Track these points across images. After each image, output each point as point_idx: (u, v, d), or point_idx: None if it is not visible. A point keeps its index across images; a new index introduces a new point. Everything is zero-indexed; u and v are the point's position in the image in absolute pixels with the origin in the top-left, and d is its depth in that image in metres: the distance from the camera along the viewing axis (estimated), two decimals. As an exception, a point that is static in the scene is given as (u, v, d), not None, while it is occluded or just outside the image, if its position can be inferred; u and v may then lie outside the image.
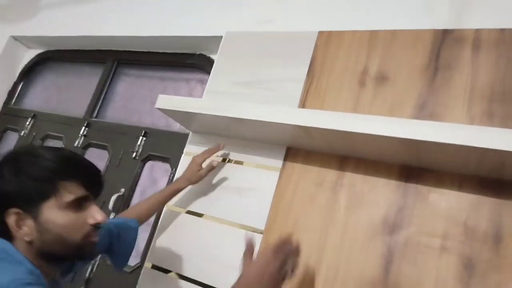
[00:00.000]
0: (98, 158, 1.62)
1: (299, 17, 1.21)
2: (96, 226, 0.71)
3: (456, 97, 0.90)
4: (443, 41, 0.96)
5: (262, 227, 0.99)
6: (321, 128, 0.82)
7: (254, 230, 1.00)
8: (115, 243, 0.94)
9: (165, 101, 1.05)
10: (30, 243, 0.67)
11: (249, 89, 1.18)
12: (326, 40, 1.12)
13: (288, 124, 0.86)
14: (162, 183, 1.44)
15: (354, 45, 1.07)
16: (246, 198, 1.05)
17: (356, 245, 0.88)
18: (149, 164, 1.50)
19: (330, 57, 1.09)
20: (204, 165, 1.07)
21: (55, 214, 0.67)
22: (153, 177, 1.48)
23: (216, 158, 1.11)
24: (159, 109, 1.06)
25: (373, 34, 1.06)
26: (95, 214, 0.70)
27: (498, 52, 0.89)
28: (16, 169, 0.68)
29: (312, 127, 0.83)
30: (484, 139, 0.67)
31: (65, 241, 0.67)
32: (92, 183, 0.72)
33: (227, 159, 1.13)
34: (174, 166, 1.37)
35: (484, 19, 0.94)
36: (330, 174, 0.96)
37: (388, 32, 1.04)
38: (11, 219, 0.66)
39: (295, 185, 1.00)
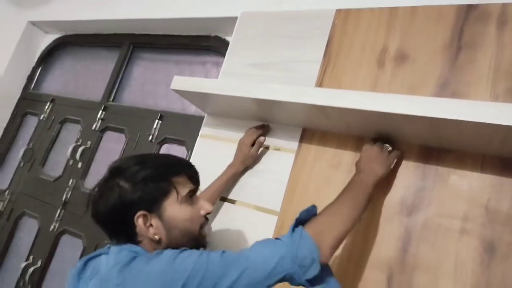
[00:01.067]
0: (115, 141, 1.64)
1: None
2: (206, 217, 0.77)
3: (480, 76, 0.86)
4: (467, 17, 0.92)
5: (277, 208, 0.99)
6: (338, 108, 0.80)
7: (269, 212, 1.00)
8: None
9: (181, 82, 1.04)
10: (158, 242, 0.72)
11: (265, 71, 1.16)
12: (343, 19, 1.09)
13: (305, 103, 0.85)
14: (178, 165, 1.44)
15: (373, 24, 1.04)
16: (261, 180, 1.05)
17: (372, 226, 0.87)
18: (165, 147, 1.51)
19: (347, 37, 1.06)
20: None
21: (177, 209, 0.72)
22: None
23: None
24: (174, 90, 1.05)
25: (392, 11, 1.02)
26: (204, 205, 0.77)
27: (525, 28, 0.85)
28: (130, 178, 0.71)
29: (329, 107, 0.82)
30: (508, 116, 0.64)
31: (190, 233, 0.73)
32: (195, 176, 0.79)
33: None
34: (190, 149, 1.37)
35: (511, -7, 0.89)
36: (346, 156, 0.95)
37: (408, 8, 1.00)
38: (139, 222, 0.70)
39: (311, 167, 0.99)
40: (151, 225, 0.71)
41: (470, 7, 0.92)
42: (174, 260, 0.62)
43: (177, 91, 1.06)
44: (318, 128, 1.00)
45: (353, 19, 1.07)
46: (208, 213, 0.78)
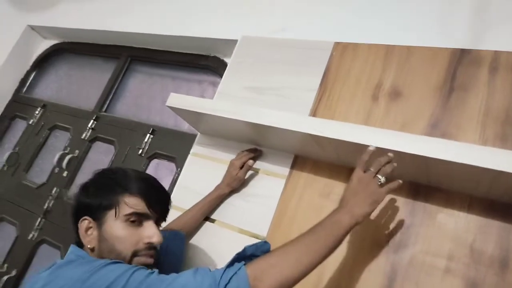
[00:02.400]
0: (104, 152, 1.63)
1: (313, 27, 1.21)
2: (150, 247, 0.72)
3: (470, 119, 0.89)
4: (460, 61, 0.95)
5: (264, 233, 0.98)
6: (332, 138, 0.81)
7: (256, 236, 0.99)
8: (163, 255, 0.88)
9: (177, 99, 1.04)
10: (92, 250, 0.72)
11: (261, 95, 1.17)
12: (341, 51, 1.12)
13: (298, 131, 0.85)
14: (166, 182, 1.43)
15: (370, 59, 1.06)
16: (249, 203, 1.04)
17: (359, 261, 0.86)
18: (154, 162, 1.50)
19: (344, 69, 1.09)
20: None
21: (114, 224, 0.71)
22: (158, 176, 1.47)
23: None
24: (169, 107, 1.06)
25: (389, 49, 1.05)
26: (150, 234, 0.72)
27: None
28: (90, 183, 0.76)
29: (322, 137, 0.83)
30: (498, 161, 0.66)
31: (117, 254, 0.70)
32: (156, 203, 0.75)
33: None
34: (180, 166, 1.37)
35: (502, 41, 0.93)
36: (338, 186, 0.95)
37: (404, 47, 1.03)
38: (81, 226, 0.73)
39: (300, 194, 0.99)
40: (91, 232, 0.72)
41: (463, 51, 0.96)
42: (99, 270, 0.61)
43: (172, 108, 1.06)
44: (311, 156, 1.00)
45: (350, 52, 1.10)
46: (152, 244, 0.72)
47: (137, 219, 0.72)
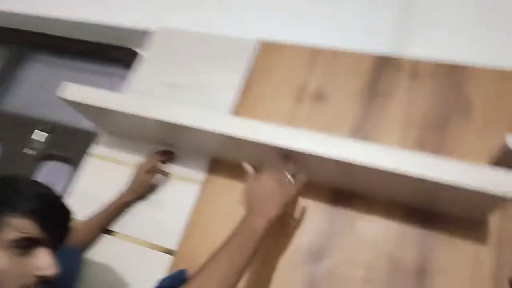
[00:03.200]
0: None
1: (238, 24, 1.14)
2: (43, 280, 0.55)
3: (391, 123, 0.87)
4: (382, 68, 0.95)
5: (174, 246, 0.86)
6: (252, 141, 0.73)
7: (163, 250, 0.86)
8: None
9: (73, 90, 0.88)
10: None
11: (177, 91, 1.06)
12: (266, 51, 1.05)
13: (217, 132, 0.76)
14: (60, 188, 1.23)
15: (295, 60, 1.02)
16: (158, 212, 0.91)
17: (277, 272, 0.79)
18: (49, 164, 1.28)
19: (268, 68, 1.03)
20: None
21: None
22: (53, 181, 1.27)
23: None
24: (64, 100, 0.89)
25: (314, 52, 1.01)
26: (43, 265, 0.55)
27: (433, 84, 0.89)
28: None
29: (242, 139, 0.74)
30: (420, 166, 0.63)
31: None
32: (53, 225, 0.58)
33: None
34: (76, 168, 1.18)
35: (423, 48, 0.94)
36: (256, 192, 0.87)
37: (330, 52, 1.00)
38: None
39: (216, 201, 0.89)
40: None
41: (385, 59, 0.95)
42: None
43: (67, 102, 0.90)
44: (229, 159, 0.91)
45: (276, 52, 1.04)
46: (45, 277, 0.56)
47: (26, 246, 0.55)
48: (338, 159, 0.67)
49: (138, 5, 1.28)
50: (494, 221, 0.73)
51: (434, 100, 0.87)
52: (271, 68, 1.02)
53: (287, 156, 0.71)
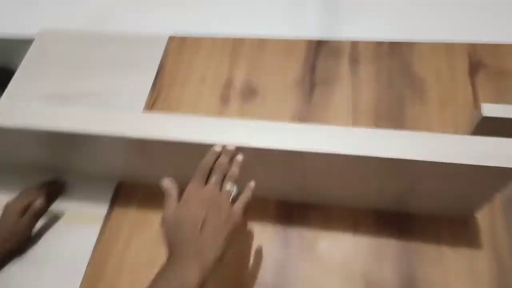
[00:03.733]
0: None
1: (143, 20, 0.94)
2: None
3: (339, 114, 0.71)
4: (318, 53, 0.80)
5: (66, 317, 0.59)
6: (166, 141, 0.51)
7: (50, 325, 0.59)
8: None
9: None
10: None
11: (70, 103, 0.81)
12: (179, 46, 0.86)
13: (115, 136, 0.53)
14: None
15: (215, 53, 0.83)
16: (42, 271, 0.63)
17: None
18: None
19: (183, 66, 0.83)
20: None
21: None
22: None
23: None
24: None
25: (237, 42, 0.84)
26: None
27: (378, 66, 0.76)
28: None
29: (153, 140, 0.52)
30: (388, 146, 0.46)
31: None
32: None
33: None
34: None
35: (358, 32, 0.82)
36: (180, 221, 0.64)
37: (255, 40, 0.84)
38: None
39: (126, 243, 0.64)
40: None
41: (320, 43, 0.81)
42: None
43: None
44: (140, 179, 0.68)
45: (190, 47, 0.85)
46: None
47: None
48: (287, 148, 0.48)
49: (17, 10, 1.02)
50: (483, 220, 0.59)
51: (382, 83, 0.74)
52: (187, 66, 0.83)
53: (220, 164, 0.47)
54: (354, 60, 0.78)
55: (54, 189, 0.69)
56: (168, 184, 0.48)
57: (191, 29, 0.88)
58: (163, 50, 0.86)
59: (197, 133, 0.51)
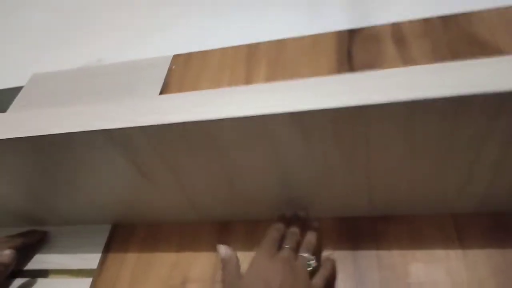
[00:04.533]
0: None
1: (144, 46, 0.83)
2: None
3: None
4: (352, 41, 0.66)
5: None
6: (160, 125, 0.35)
7: None
8: None
9: None
10: None
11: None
12: (185, 63, 0.74)
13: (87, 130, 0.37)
14: None
15: (227, 64, 0.70)
16: None
17: None
18: None
19: (191, 82, 0.69)
20: None
21: None
22: None
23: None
24: None
25: (252, 48, 0.71)
26: None
27: (431, 41, 0.61)
28: None
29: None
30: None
31: None
32: None
33: None
34: None
35: (397, 13, 0.68)
36: (194, 266, 0.45)
37: (273, 43, 0.71)
38: None
39: (125, 299, 0.45)
40: None
41: (352, 32, 0.67)
42: None
43: None
44: (141, 216, 0.50)
45: (197, 61, 0.73)
46: None
47: None
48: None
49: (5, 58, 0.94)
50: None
51: (442, 56, 0.58)
52: (195, 81, 0.69)
53: (293, 232, 0.41)
54: (399, 41, 0.63)
55: (31, 239, 0.52)
56: (226, 251, 0.40)
57: (198, 45, 0.76)
58: (166, 70, 0.73)
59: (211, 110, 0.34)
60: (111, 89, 0.74)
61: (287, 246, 0.39)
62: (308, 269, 0.37)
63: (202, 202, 0.45)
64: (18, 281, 0.50)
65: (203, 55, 0.73)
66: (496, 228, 0.40)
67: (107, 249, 0.50)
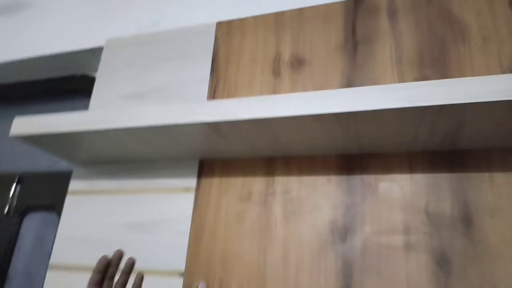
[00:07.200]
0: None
1: (189, 13, 1.04)
2: None
3: (384, 69, 0.78)
4: (356, 13, 0.85)
5: (182, 267, 0.75)
6: (233, 121, 0.63)
7: (172, 274, 0.75)
8: None
9: (24, 124, 0.77)
10: None
11: (143, 100, 0.95)
12: (226, 31, 0.95)
13: (190, 123, 0.65)
14: (50, 240, 1.11)
15: (260, 32, 0.92)
16: (156, 235, 0.80)
17: (303, 264, 0.68)
18: (30, 218, 1.16)
19: (234, 49, 0.92)
20: None
21: None
22: (38, 235, 1.14)
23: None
24: (17, 138, 0.78)
25: (278, 16, 0.92)
26: None
27: (416, 16, 0.80)
28: None
29: (222, 122, 0.63)
30: (434, 95, 0.53)
31: None
32: None
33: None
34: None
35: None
36: (257, 183, 0.77)
37: (295, 12, 0.91)
38: None
39: (216, 205, 0.78)
40: None
41: (356, 2, 0.86)
42: None
43: (22, 138, 0.78)
44: (218, 156, 0.80)
45: (236, 30, 0.94)
46: None
47: None
48: (333, 111, 0.57)
49: (79, 25, 1.17)
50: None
51: (422, 31, 0.78)
52: (237, 49, 0.92)
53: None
54: (393, 14, 0.82)
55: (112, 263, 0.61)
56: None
57: (236, 9, 0.96)
58: (213, 38, 0.95)
59: (248, 111, 0.61)
60: (171, 55, 0.98)
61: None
62: None
63: (258, 146, 0.75)
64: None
65: (241, 24, 0.94)
66: (432, 162, 0.68)
67: (199, 175, 0.82)
